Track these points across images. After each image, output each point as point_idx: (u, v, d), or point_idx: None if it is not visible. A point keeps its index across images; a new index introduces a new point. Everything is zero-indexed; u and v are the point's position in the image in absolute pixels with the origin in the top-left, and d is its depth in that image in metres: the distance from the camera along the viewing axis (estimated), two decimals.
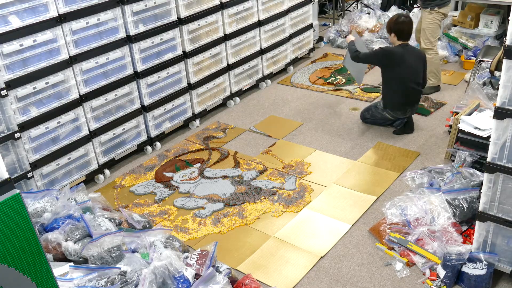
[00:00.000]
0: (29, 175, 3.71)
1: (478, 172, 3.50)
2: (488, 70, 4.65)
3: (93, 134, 4.20)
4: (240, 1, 5.22)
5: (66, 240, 2.76)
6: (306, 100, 5.54)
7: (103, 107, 4.23)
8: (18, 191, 1.53)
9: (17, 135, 3.55)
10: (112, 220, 3.07)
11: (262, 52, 5.74)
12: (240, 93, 5.69)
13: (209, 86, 5.20)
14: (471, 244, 2.99)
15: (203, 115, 5.27)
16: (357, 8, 8.16)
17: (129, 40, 4.28)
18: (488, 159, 2.66)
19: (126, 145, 4.53)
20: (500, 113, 2.54)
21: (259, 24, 5.57)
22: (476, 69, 4.94)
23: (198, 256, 2.69)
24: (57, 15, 3.70)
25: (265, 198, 3.91)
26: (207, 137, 4.92)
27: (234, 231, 3.60)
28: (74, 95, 3.97)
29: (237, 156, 4.55)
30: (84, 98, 4.05)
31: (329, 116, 5.13)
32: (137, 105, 4.52)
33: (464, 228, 3.30)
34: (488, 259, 2.86)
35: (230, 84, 5.46)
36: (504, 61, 2.48)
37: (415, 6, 7.51)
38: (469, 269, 2.88)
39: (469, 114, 4.00)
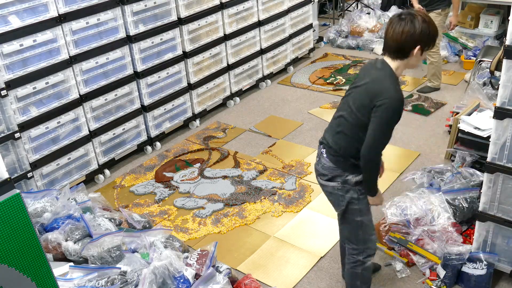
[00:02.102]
0: (29, 175, 3.71)
1: (478, 172, 3.50)
2: (488, 70, 4.65)
3: (93, 134, 4.20)
4: (240, 1, 5.22)
5: (66, 240, 2.76)
6: (306, 100, 5.54)
7: (103, 107, 4.23)
8: (18, 191, 1.53)
9: (17, 135, 3.55)
10: (112, 220, 3.06)
11: (262, 52, 5.74)
12: (240, 93, 5.68)
13: (209, 86, 5.20)
14: (471, 244, 2.99)
15: (203, 115, 5.27)
16: (357, 8, 8.15)
17: (129, 40, 4.27)
18: (488, 159, 2.66)
19: (126, 145, 4.53)
20: (500, 113, 2.54)
21: (259, 24, 5.57)
22: (476, 69, 4.94)
23: (198, 256, 2.69)
24: (57, 15, 3.70)
25: (265, 198, 3.91)
26: (207, 137, 4.92)
27: (234, 231, 3.59)
28: (74, 95, 3.97)
29: (237, 156, 4.55)
30: (84, 98, 4.05)
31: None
32: (137, 105, 4.52)
33: (464, 228, 3.29)
34: (488, 259, 2.86)
35: (230, 84, 5.46)
36: (504, 61, 2.47)
37: None
38: (469, 269, 2.88)
39: (469, 114, 4.00)
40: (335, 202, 2.61)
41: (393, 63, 2.35)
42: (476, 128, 3.79)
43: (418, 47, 2.27)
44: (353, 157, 2.45)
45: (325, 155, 2.54)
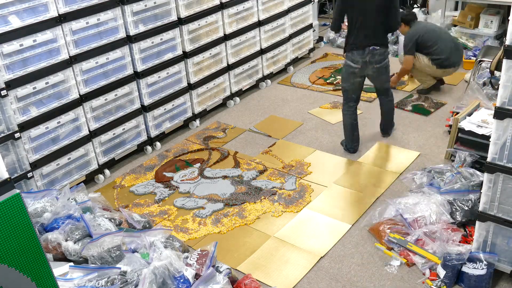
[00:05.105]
0: (29, 175, 3.71)
1: (478, 172, 3.50)
2: (488, 70, 4.66)
3: (93, 134, 4.20)
4: (240, 1, 5.22)
5: (66, 240, 2.76)
6: (306, 100, 5.54)
7: (103, 107, 4.23)
8: (18, 191, 1.53)
9: (17, 135, 3.55)
10: (112, 220, 3.06)
11: (262, 52, 5.74)
12: (240, 93, 5.69)
13: (209, 86, 5.20)
14: (471, 244, 2.99)
15: (203, 115, 5.27)
16: None
17: (129, 40, 4.27)
18: (488, 159, 2.66)
19: (126, 145, 4.53)
20: (500, 113, 2.54)
21: (259, 24, 5.57)
22: (476, 69, 4.94)
23: (198, 256, 2.69)
24: (57, 15, 3.70)
25: (265, 198, 3.91)
26: (207, 137, 4.92)
27: (234, 231, 3.60)
28: (74, 95, 3.97)
29: (237, 156, 4.55)
30: (84, 98, 4.05)
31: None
32: (137, 105, 4.52)
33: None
34: (488, 259, 2.86)
35: (230, 84, 5.46)
36: (504, 61, 2.48)
37: (415, 6, 7.52)
38: (469, 269, 2.88)
39: (470, 115, 4.01)
40: (387, 69, 4.23)
41: None
42: (478, 126, 3.80)
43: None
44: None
45: (378, 48, 4.05)
